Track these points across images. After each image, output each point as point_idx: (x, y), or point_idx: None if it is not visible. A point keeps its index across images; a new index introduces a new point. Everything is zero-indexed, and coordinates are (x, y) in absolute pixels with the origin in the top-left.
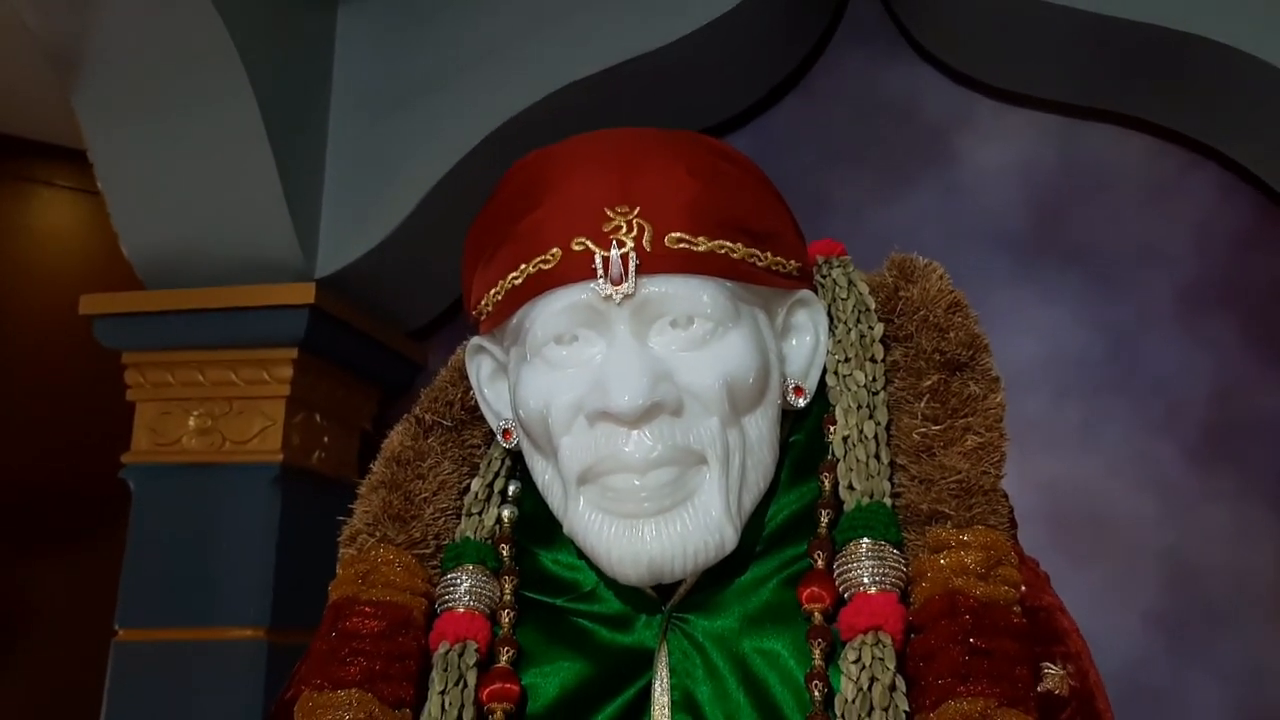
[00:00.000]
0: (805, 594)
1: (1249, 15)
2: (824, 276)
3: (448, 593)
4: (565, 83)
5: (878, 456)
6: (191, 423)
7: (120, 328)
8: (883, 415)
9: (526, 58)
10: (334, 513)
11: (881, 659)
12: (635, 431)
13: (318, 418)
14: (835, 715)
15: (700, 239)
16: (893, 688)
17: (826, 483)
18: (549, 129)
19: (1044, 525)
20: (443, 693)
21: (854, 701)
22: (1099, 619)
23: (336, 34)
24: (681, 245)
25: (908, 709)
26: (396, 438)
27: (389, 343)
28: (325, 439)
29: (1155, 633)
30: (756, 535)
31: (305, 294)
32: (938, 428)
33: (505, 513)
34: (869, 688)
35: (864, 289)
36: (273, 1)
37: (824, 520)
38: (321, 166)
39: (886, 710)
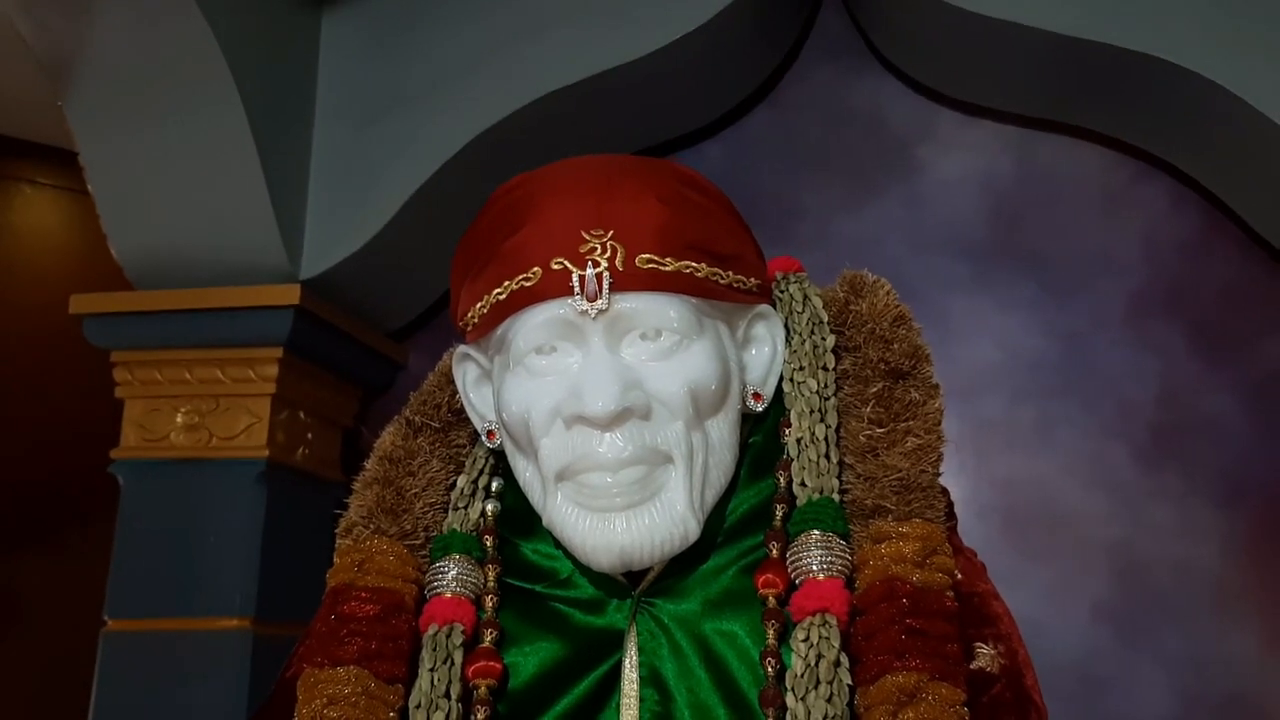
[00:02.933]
0: (761, 580)
1: (1197, 37)
2: (782, 292)
3: (436, 579)
4: (544, 92)
5: (828, 456)
6: (179, 419)
7: (109, 327)
8: (833, 419)
9: (506, 68)
10: (317, 507)
11: (827, 638)
12: (608, 434)
13: (302, 415)
14: (786, 689)
15: (668, 259)
16: (837, 664)
17: (782, 480)
18: (527, 137)
19: (1000, 521)
20: (432, 670)
21: (802, 676)
22: (1051, 611)
23: (321, 42)
24: (651, 265)
25: (850, 683)
26: (388, 437)
27: (371, 343)
28: (309, 436)
29: (1104, 624)
30: (718, 527)
31: (290, 295)
32: (882, 430)
33: (489, 507)
34: (816, 664)
35: (818, 303)
36: (259, 10)
37: (779, 514)
38: (306, 172)
39: (831, 683)
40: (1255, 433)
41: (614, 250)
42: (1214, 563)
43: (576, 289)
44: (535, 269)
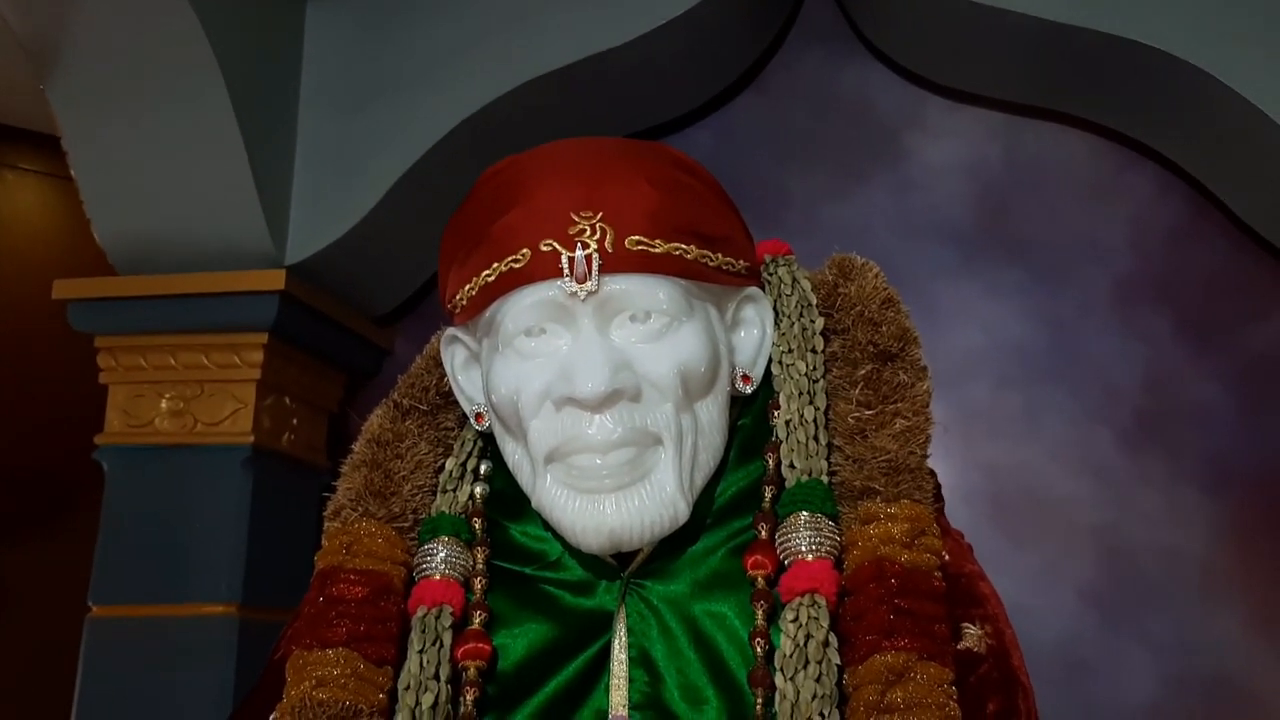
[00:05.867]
0: (750, 561)
1: (1184, 24)
2: (771, 274)
3: (425, 562)
4: (529, 78)
5: (816, 438)
6: (164, 405)
7: (93, 312)
8: (822, 401)
9: (491, 54)
10: (303, 493)
11: (816, 618)
12: (598, 415)
13: (287, 401)
14: (775, 669)
15: (657, 241)
16: (826, 644)
17: (771, 462)
18: (513, 124)
19: (987, 506)
20: (421, 652)
21: (791, 656)
22: (1037, 595)
23: (306, 29)
24: (640, 247)
25: (839, 662)
26: (376, 420)
27: (356, 328)
28: (294, 421)
29: (1090, 608)
30: (707, 509)
31: (275, 280)
32: (870, 412)
33: (478, 489)
34: (805, 644)
35: (806, 286)
36: None
37: (768, 496)
38: (291, 157)
39: (820, 664)
40: (1241, 418)
41: (603, 232)
42: (1199, 547)
43: (566, 270)
44: (524, 250)
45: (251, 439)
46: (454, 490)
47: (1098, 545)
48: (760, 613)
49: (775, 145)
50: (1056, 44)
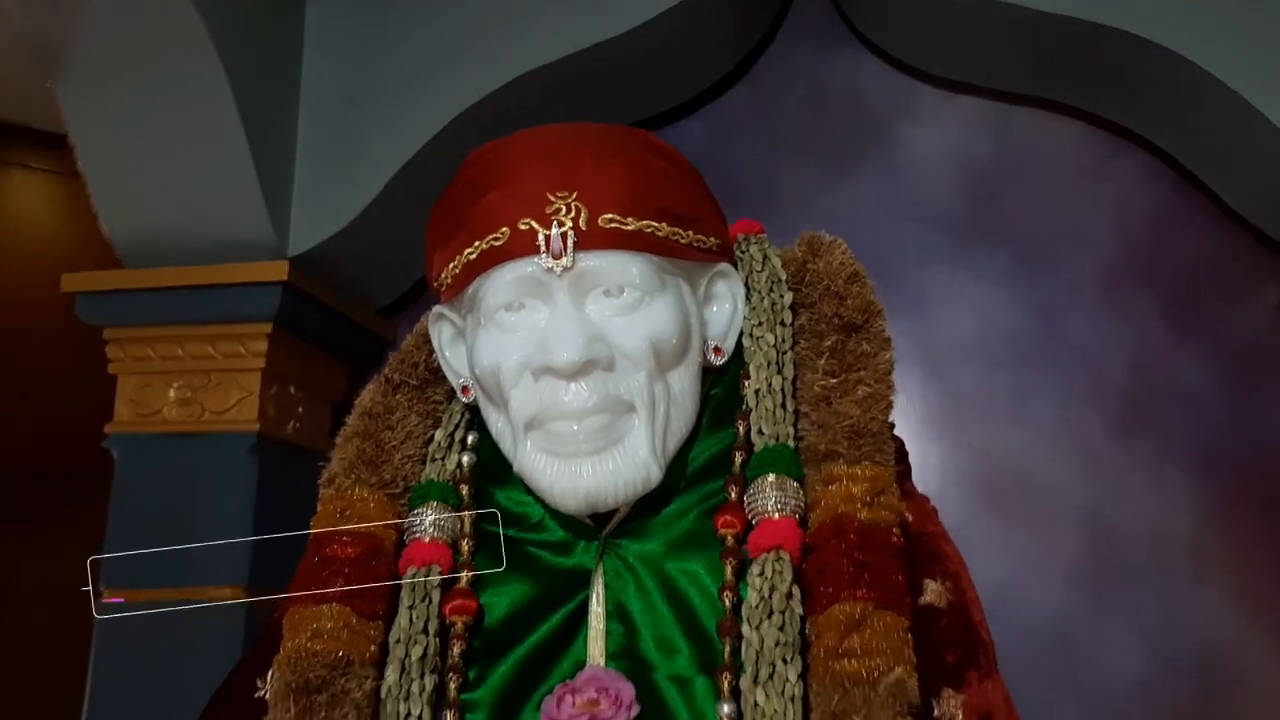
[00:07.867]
0: (720, 521)
1: (1169, 13)
2: (743, 252)
3: (414, 525)
4: (524, 71)
5: (784, 406)
6: (171, 394)
7: (102, 305)
8: (789, 371)
9: (488, 47)
10: (308, 479)
11: (780, 572)
12: (573, 384)
13: (292, 390)
14: (742, 619)
15: (630, 220)
16: (789, 595)
17: (741, 429)
18: (508, 117)
19: (977, 489)
20: (411, 607)
21: (757, 607)
22: (1026, 576)
23: (306, 26)
24: (613, 225)
25: (801, 613)
26: (368, 394)
27: (358, 319)
28: (299, 410)
29: (1078, 588)
30: (680, 473)
31: (279, 272)
32: (835, 380)
33: (465, 458)
34: (770, 595)
35: (777, 262)
36: None
37: (738, 460)
38: (293, 151)
39: (784, 613)
40: (1226, 402)
41: (578, 210)
42: (1186, 529)
43: (543, 247)
44: (504, 229)
45: (257, 427)
46: (442, 459)
47: (1086, 527)
48: (729, 568)
49: (767, 136)
50: (1043, 33)
